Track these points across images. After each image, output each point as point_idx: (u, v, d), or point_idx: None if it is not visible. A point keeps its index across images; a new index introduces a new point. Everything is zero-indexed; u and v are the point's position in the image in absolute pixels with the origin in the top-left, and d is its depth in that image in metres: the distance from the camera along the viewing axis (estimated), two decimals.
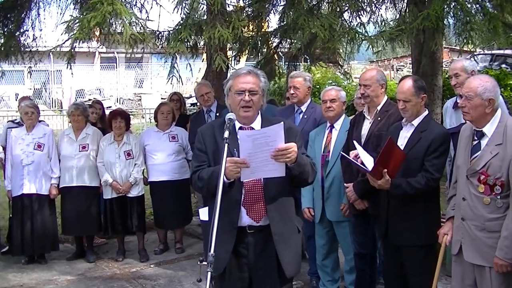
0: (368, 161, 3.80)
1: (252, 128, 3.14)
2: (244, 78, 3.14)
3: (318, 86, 14.62)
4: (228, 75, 4.11)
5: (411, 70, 12.84)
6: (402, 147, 3.84)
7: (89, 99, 21.01)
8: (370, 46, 6.60)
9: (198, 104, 11.47)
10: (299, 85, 5.30)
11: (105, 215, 6.37)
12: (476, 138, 3.37)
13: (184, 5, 6.74)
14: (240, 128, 3.14)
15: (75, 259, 6.44)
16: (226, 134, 2.86)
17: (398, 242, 3.89)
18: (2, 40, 7.82)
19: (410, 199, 3.78)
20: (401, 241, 3.88)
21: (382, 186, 3.79)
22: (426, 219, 3.85)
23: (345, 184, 4.49)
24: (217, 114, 6.24)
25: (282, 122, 2.94)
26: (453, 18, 6.67)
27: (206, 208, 3.31)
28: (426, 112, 3.96)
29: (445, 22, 6.65)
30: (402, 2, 8.32)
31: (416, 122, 3.91)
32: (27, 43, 8.28)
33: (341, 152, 4.31)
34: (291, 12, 6.88)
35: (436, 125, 3.91)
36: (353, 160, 3.89)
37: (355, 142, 4.08)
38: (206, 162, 3.19)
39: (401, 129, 3.98)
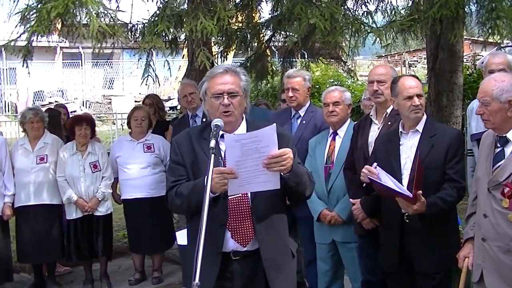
0: (393, 183, 3.73)
1: None
2: (221, 78, 3.13)
3: (318, 86, 14.68)
4: None
5: (426, 66, 12.95)
6: (411, 159, 3.87)
7: (50, 102, 20.95)
8: (378, 39, 6.64)
9: (178, 107, 11.45)
10: (298, 86, 5.29)
11: (69, 238, 6.32)
12: (499, 145, 3.38)
13: None
14: (222, 136, 3.08)
15: None
16: (212, 143, 2.83)
17: (418, 268, 3.91)
18: None
19: (431, 218, 3.79)
20: (420, 267, 3.89)
21: (418, 210, 3.71)
22: (446, 240, 3.88)
23: (351, 200, 4.50)
24: (204, 120, 6.22)
25: (275, 124, 2.92)
26: (475, 5, 6.73)
27: (185, 231, 3.29)
28: (425, 115, 4.03)
29: (466, 9, 6.70)
30: None
31: (420, 127, 3.95)
32: None
33: (369, 177, 3.83)
34: (285, 0, 6.92)
35: (443, 126, 3.98)
36: (387, 185, 3.70)
37: (377, 166, 3.86)
38: (184, 176, 3.17)
39: (399, 139, 3.99)
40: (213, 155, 2.81)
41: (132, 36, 7.81)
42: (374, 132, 4.44)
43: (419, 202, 3.67)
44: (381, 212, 4.18)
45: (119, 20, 6.75)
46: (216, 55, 8.72)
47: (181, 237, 3.30)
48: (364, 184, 3.93)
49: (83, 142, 6.30)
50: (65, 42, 7.95)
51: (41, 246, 6.21)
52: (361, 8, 8.12)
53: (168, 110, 18.04)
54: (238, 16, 8.15)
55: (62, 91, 26.52)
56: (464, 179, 3.84)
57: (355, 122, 4.86)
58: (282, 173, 2.95)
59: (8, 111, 24.02)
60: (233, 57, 13.53)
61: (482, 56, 12.91)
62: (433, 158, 3.83)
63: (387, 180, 3.73)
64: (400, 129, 4.02)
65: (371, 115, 4.53)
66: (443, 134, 3.92)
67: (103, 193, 6.27)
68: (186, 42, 8.11)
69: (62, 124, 7.18)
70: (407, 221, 3.91)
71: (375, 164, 3.83)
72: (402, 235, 3.95)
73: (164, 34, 6.66)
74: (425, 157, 3.82)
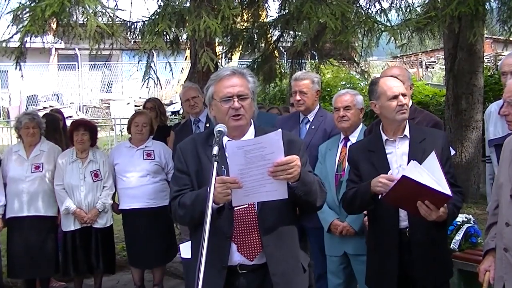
0: (432, 179, 3.51)
1: None
2: (229, 80, 3.14)
3: (328, 89, 14.69)
4: None
5: (444, 67, 12.94)
6: (404, 168, 3.75)
7: (44, 107, 21.02)
8: (393, 38, 6.64)
9: (181, 112, 11.48)
10: (306, 89, 5.30)
11: (65, 252, 6.31)
12: None
13: None
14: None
15: None
16: (215, 150, 2.82)
17: (424, 283, 3.88)
18: None
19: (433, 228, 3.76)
20: (427, 281, 3.87)
21: (441, 217, 3.59)
22: (443, 248, 3.94)
23: None
24: (207, 125, 6.22)
25: (280, 130, 2.91)
26: (496, 1, 6.72)
27: (188, 243, 3.29)
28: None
29: (486, 6, 6.69)
30: None
31: (407, 132, 3.91)
32: None
33: (404, 175, 3.52)
34: None
35: (428, 129, 4.00)
36: (423, 183, 3.44)
37: (412, 161, 3.66)
38: (188, 185, 3.18)
39: (383, 148, 3.91)
40: (215, 163, 2.80)
41: (132, 36, 7.83)
42: None
43: (443, 208, 3.58)
44: (374, 230, 4.08)
45: (118, 19, 6.77)
46: (221, 56, 8.73)
47: (185, 249, 3.29)
48: (380, 196, 3.77)
49: (81, 149, 6.29)
50: (61, 43, 7.99)
51: (35, 261, 6.19)
52: (375, 6, 8.14)
53: (170, 115, 18.08)
54: (244, 14, 8.17)
55: (57, 95, 26.54)
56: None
57: (367, 127, 4.86)
58: (289, 182, 2.94)
59: (0, 117, 24.11)
60: (239, 59, 13.59)
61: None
62: None
63: (424, 177, 3.48)
64: (385, 137, 3.92)
65: None
66: (433, 137, 3.86)
67: (104, 204, 6.25)
68: (189, 42, 8.13)
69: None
70: (408, 235, 3.83)
71: (390, 171, 3.74)
72: (402, 250, 3.86)
73: (165, 33, 6.68)
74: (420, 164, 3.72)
